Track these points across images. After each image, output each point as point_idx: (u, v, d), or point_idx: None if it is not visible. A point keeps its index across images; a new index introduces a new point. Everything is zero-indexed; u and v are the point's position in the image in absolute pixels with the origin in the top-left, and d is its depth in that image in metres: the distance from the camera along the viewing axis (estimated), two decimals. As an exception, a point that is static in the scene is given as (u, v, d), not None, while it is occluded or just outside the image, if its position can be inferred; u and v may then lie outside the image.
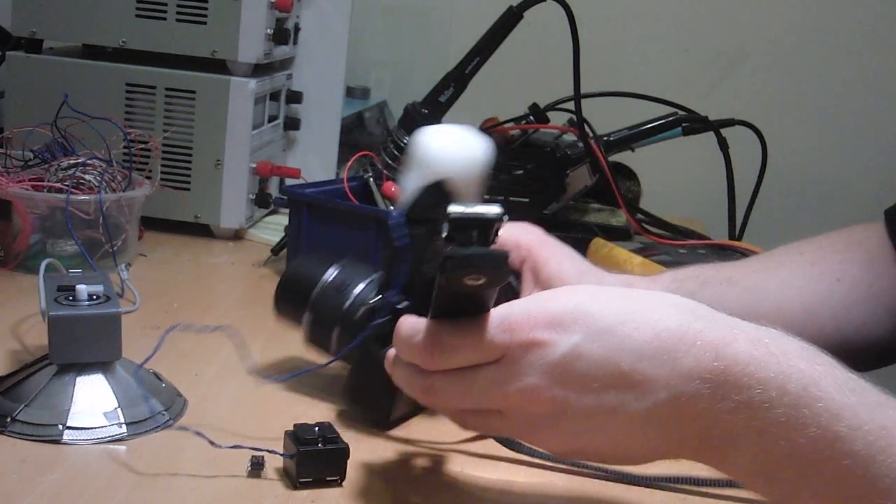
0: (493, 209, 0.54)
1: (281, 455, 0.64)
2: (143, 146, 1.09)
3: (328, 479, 0.63)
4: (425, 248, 0.64)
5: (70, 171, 0.98)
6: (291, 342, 0.89)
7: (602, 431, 0.55)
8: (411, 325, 0.57)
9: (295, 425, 0.65)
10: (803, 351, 0.54)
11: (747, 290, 0.82)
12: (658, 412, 0.54)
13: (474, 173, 0.65)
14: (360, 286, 0.75)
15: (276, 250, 1.11)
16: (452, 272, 0.53)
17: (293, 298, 0.77)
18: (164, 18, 1.15)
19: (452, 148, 0.65)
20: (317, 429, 0.64)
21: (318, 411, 0.75)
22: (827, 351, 0.55)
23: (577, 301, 0.55)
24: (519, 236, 0.77)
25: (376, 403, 0.72)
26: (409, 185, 0.65)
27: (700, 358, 0.53)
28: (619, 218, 1.30)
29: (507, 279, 0.56)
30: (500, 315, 0.55)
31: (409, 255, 0.64)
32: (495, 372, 0.55)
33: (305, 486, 0.63)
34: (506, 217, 0.54)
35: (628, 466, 0.66)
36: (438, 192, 0.64)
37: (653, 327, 0.54)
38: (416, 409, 0.74)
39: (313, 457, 0.63)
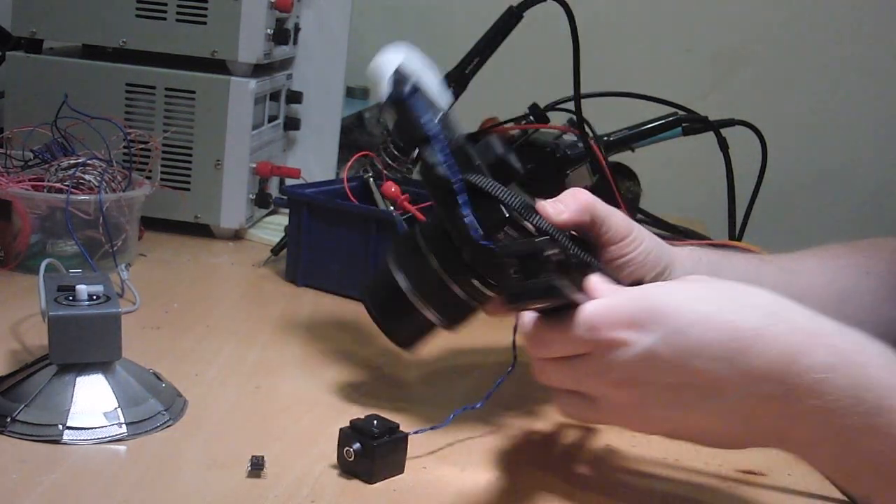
0: (542, 242, 0.61)
1: (354, 451, 0.64)
2: (143, 146, 1.09)
3: (395, 469, 0.65)
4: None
5: (70, 171, 0.98)
6: (291, 342, 0.89)
7: (687, 420, 0.59)
8: (528, 318, 0.63)
9: (351, 422, 0.65)
10: (881, 358, 0.55)
11: (782, 269, 0.81)
12: (733, 410, 0.57)
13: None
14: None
15: (276, 250, 1.11)
16: (515, 304, 0.60)
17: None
18: (164, 18, 1.15)
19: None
20: (375, 421, 0.65)
21: (319, 411, 0.75)
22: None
23: (655, 301, 0.58)
24: (578, 202, 0.75)
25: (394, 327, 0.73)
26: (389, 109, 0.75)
27: (774, 362, 0.55)
28: (619, 218, 1.29)
29: (568, 298, 0.60)
30: (586, 315, 0.59)
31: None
32: (586, 365, 0.60)
33: (382, 478, 0.64)
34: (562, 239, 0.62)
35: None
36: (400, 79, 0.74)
37: (727, 329, 0.56)
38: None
39: (389, 448, 0.64)
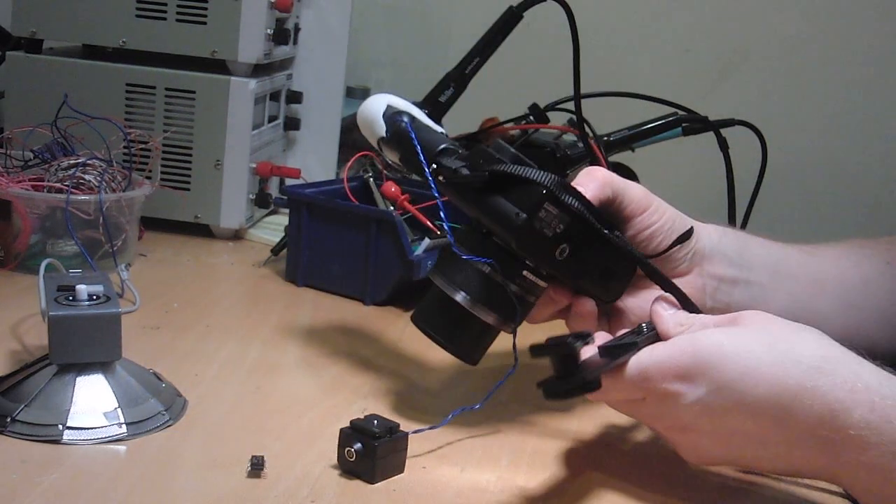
0: (571, 340, 0.62)
1: (355, 450, 0.64)
2: (143, 146, 1.09)
3: (396, 468, 0.65)
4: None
5: (70, 171, 0.98)
6: (291, 342, 0.89)
7: (739, 459, 0.64)
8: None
9: (351, 422, 0.65)
10: None
11: (807, 252, 0.81)
12: (778, 457, 0.61)
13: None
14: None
15: (276, 250, 1.11)
16: (554, 398, 0.62)
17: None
18: (164, 18, 1.15)
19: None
20: (375, 421, 0.65)
21: (319, 411, 0.75)
22: None
23: (704, 353, 0.60)
24: (596, 179, 0.75)
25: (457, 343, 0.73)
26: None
27: (815, 419, 0.58)
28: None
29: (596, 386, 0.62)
30: (639, 366, 0.62)
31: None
32: (644, 409, 0.64)
33: (383, 478, 0.64)
34: (590, 339, 0.64)
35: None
36: (392, 111, 0.79)
37: (771, 384, 0.59)
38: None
39: (390, 448, 0.64)
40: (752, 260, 0.77)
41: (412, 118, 0.78)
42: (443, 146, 0.74)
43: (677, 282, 0.71)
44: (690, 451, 0.64)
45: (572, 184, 0.70)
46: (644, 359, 0.62)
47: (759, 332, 0.62)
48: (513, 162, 0.70)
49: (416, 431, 0.68)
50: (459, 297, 0.70)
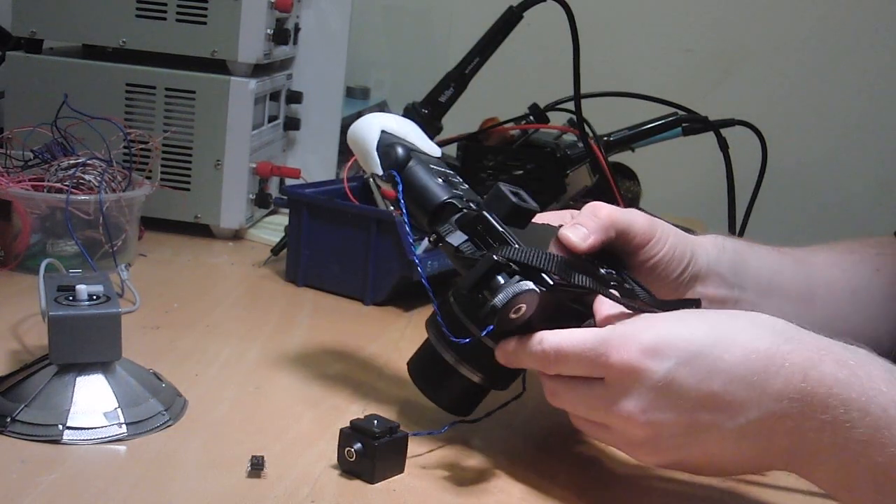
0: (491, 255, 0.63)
1: (355, 451, 0.64)
2: (143, 146, 1.09)
3: (396, 468, 0.65)
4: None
5: (70, 171, 0.98)
6: (291, 342, 0.89)
7: (697, 447, 0.60)
8: (540, 334, 0.64)
9: (351, 422, 0.65)
10: (887, 373, 0.56)
11: (799, 262, 0.81)
12: (750, 429, 0.58)
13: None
14: None
15: (276, 250, 1.11)
16: (491, 319, 0.62)
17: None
18: (164, 18, 1.15)
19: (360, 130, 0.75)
20: (375, 421, 0.65)
21: (319, 411, 0.75)
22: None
23: (669, 327, 0.60)
24: (599, 220, 0.73)
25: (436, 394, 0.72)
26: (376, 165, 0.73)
27: (789, 379, 0.57)
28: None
29: (537, 298, 0.62)
30: (600, 339, 0.61)
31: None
32: (601, 391, 0.61)
33: (383, 478, 0.64)
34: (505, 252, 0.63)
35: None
36: (387, 141, 0.73)
37: (743, 349, 0.58)
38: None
39: (390, 448, 0.64)
40: (746, 277, 0.77)
41: (406, 155, 0.72)
42: (443, 200, 0.70)
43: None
44: (645, 444, 0.61)
45: (575, 225, 0.69)
46: (607, 333, 0.61)
47: (721, 312, 0.62)
48: (512, 214, 0.68)
49: (415, 434, 0.68)
50: (447, 355, 0.69)
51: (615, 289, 0.67)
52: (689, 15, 1.80)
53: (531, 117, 1.23)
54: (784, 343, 0.58)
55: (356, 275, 1.01)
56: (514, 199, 0.69)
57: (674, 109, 1.25)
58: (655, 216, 0.75)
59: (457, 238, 0.68)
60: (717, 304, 0.75)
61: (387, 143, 0.73)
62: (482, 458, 0.70)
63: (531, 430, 0.76)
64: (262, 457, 0.64)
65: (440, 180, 0.71)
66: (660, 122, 1.24)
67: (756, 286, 0.77)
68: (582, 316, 0.66)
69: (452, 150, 1.24)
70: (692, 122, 1.24)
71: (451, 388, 0.71)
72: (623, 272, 0.70)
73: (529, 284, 0.63)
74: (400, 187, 0.71)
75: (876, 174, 1.80)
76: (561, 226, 0.71)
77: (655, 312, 0.64)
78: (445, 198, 0.70)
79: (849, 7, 1.76)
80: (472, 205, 0.71)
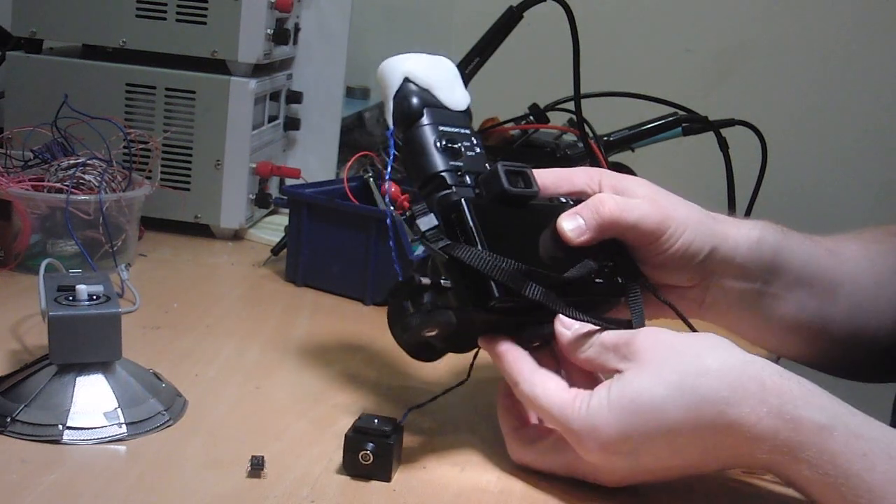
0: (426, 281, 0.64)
1: (371, 452, 0.64)
2: (143, 146, 1.09)
3: (399, 462, 0.66)
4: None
5: (70, 171, 0.98)
6: (291, 342, 0.89)
7: (674, 478, 0.66)
8: (517, 375, 0.66)
9: (354, 425, 0.65)
10: (817, 436, 0.58)
11: (830, 252, 0.80)
12: (712, 470, 0.64)
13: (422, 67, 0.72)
14: None
15: (276, 250, 1.11)
16: (406, 336, 0.66)
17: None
18: (164, 18, 1.15)
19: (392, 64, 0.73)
20: (376, 420, 0.65)
21: (319, 411, 0.75)
22: None
23: (626, 418, 0.61)
24: (600, 218, 0.72)
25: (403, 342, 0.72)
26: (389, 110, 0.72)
27: (735, 450, 0.60)
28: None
29: (451, 328, 0.65)
30: (566, 425, 0.63)
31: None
32: (572, 461, 0.65)
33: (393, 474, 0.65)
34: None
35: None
36: (404, 92, 0.71)
37: (695, 431, 0.60)
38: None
39: (399, 444, 0.66)
40: (774, 272, 0.74)
41: (417, 114, 0.70)
42: (433, 172, 0.69)
43: (677, 292, 0.72)
44: (626, 483, 0.65)
45: (573, 215, 0.69)
46: (572, 420, 0.63)
47: (664, 373, 0.61)
48: (502, 198, 0.68)
49: (403, 418, 0.69)
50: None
51: (600, 285, 0.68)
52: (689, 15, 1.80)
53: (531, 117, 1.24)
54: (723, 415, 0.59)
55: (356, 275, 1.01)
56: (506, 183, 0.68)
57: (674, 109, 1.25)
58: (679, 200, 0.73)
59: (427, 222, 0.67)
60: (737, 296, 0.74)
61: (403, 94, 0.71)
62: (482, 457, 0.70)
63: (531, 430, 0.76)
64: (262, 457, 0.64)
65: (441, 146, 0.70)
66: (660, 122, 1.24)
67: (781, 281, 0.75)
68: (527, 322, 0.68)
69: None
70: (692, 122, 1.24)
71: (411, 339, 0.70)
72: (625, 261, 0.70)
73: (447, 315, 0.64)
74: (392, 153, 0.70)
75: (876, 174, 1.80)
76: (569, 204, 0.71)
77: (608, 327, 0.65)
78: (438, 169, 0.69)
79: (849, 7, 1.76)
80: (468, 178, 0.70)
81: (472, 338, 0.69)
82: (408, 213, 0.68)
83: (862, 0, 1.77)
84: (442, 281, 0.65)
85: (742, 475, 0.70)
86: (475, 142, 0.72)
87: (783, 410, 0.59)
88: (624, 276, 0.70)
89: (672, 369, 0.61)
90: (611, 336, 0.65)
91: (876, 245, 0.83)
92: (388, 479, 0.64)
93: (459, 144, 0.71)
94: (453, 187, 0.69)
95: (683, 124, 1.24)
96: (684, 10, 1.79)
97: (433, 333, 0.65)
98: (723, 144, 1.23)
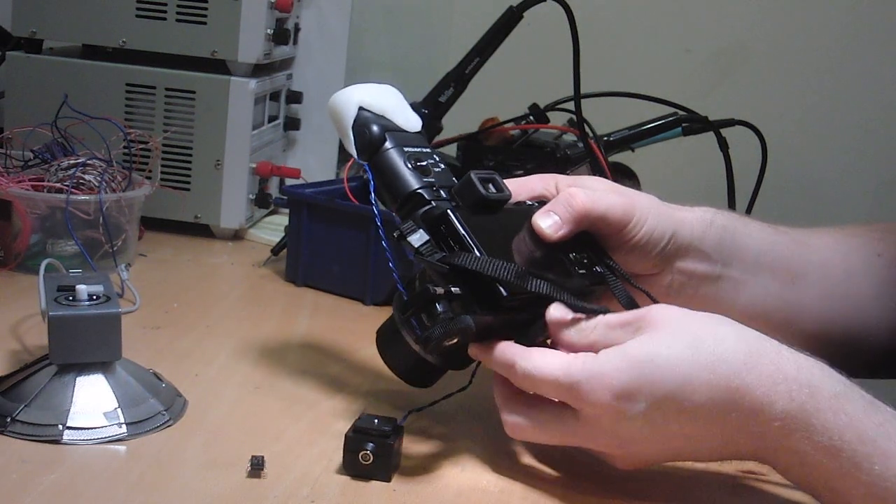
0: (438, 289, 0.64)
1: (371, 452, 0.64)
2: (143, 146, 1.09)
3: (399, 462, 0.66)
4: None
5: (70, 171, 0.98)
6: (290, 343, 0.89)
7: (674, 457, 0.66)
8: (510, 353, 0.65)
9: (354, 425, 0.65)
10: (834, 400, 0.59)
11: (796, 242, 0.81)
12: (717, 451, 0.64)
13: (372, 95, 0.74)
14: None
15: (276, 250, 1.11)
16: (427, 349, 0.65)
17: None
18: (164, 18, 1.15)
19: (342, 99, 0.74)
20: (376, 420, 0.65)
21: (319, 411, 0.75)
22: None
23: (640, 369, 0.61)
24: (572, 211, 0.73)
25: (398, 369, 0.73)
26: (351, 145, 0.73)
27: (746, 415, 0.60)
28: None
29: (471, 332, 0.64)
30: (572, 379, 0.62)
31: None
32: (573, 426, 0.64)
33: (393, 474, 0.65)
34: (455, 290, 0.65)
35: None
36: (362, 121, 0.72)
37: (705, 390, 0.60)
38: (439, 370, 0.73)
39: (399, 444, 0.66)
40: (732, 254, 0.76)
41: (380, 138, 0.71)
42: (411, 191, 0.70)
43: (645, 281, 0.73)
44: (628, 461, 0.65)
45: (546, 212, 0.69)
46: (576, 372, 0.62)
47: (679, 333, 0.62)
48: (479, 205, 0.68)
49: (403, 419, 0.68)
50: (407, 335, 0.70)
51: (583, 276, 0.68)
52: (689, 15, 1.79)
53: (531, 117, 1.23)
54: (740, 377, 0.60)
55: (356, 275, 1.01)
56: (482, 190, 0.69)
57: (674, 109, 1.25)
58: (639, 191, 0.75)
59: (418, 238, 0.68)
60: (696, 279, 0.75)
61: (362, 122, 0.72)
62: (482, 457, 0.70)
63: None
64: (262, 457, 0.64)
65: (412, 165, 0.71)
66: (660, 122, 1.24)
67: (743, 264, 0.76)
68: (533, 317, 0.67)
69: (452, 150, 1.24)
70: (692, 122, 1.24)
71: (408, 361, 0.71)
72: (597, 252, 0.71)
73: (466, 320, 0.64)
74: (372, 184, 0.71)
75: (876, 174, 1.80)
76: (535, 206, 0.72)
77: (604, 312, 0.65)
78: (414, 188, 0.70)
79: (849, 7, 1.76)
80: (443, 192, 0.70)
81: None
82: (396, 234, 0.69)
83: (862, 0, 1.77)
84: (453, 289, 0.65)
85: (742, 475, 0.70)
86: (437, 159, 0.74)
87: (800, 377, 0.60)
88: (600, 265, 0.71)
89: (690, 331, 0.62)
90: (617, 315, 0.65)
91: (853, 238, 0.84)
92: (388, 479, 0.64)
93: (426, 162, 0.72)
94: (432, 202, 0.69)
95: (683, 124, 1.23)
96: (684, 10, 1.79)
97: (454, 342, 0.65)
98: (723, 144, 1.23)
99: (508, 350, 0.66)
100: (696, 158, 1.37)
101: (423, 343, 0.66)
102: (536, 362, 0.64)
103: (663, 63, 1.80)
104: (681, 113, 1.24)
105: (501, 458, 0.70)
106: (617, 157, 1.28)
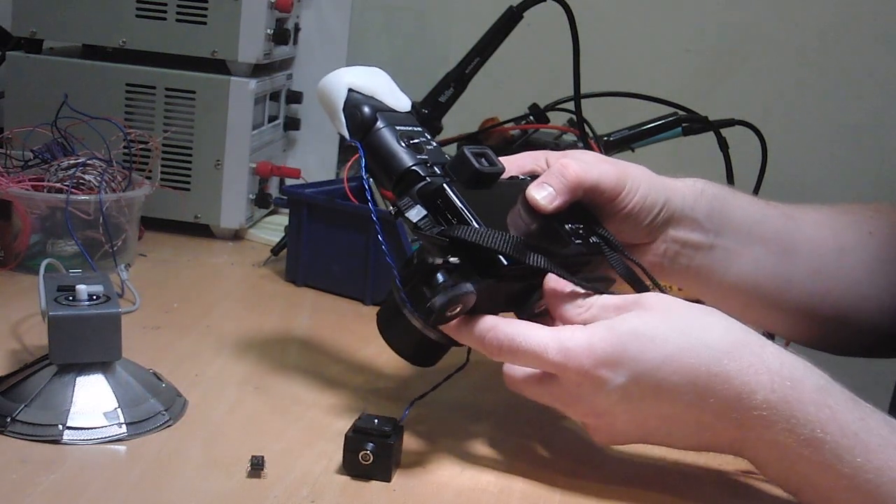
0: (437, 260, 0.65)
1: (371, 451, 0.64)
2: (143, 146, 1.09)
3: (398, 462, 0.66)
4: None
5: (70, 171, 0.98)
6: (291, 342, 0.89)
7: (651, 437, 0.66)
8: (490, 321, 0.65)
9: (354, 425, 0.65)
10: (816, 394, 0.60)
11: (786, 216, 0.81)
12: (691, 436, 0.64)
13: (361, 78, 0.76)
14: None
15: (276, 250, 1.11)
16: (431, 321, 0.64)
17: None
18: (164, 18, 1.15)
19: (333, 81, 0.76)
20: (376, 420, 0.65)
21: (319, 411, 0.75)
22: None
23: (625, 342, 0.62)
24: (566, 181, 0.73)
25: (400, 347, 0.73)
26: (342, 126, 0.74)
27: (725, 402, 0.61)
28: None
29: (474, 299, 0.64)
30: (558, 345, 0.62)
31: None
32: (555, 390, 0.64)
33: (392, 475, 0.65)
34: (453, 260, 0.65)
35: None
36: (353, 102, 0.73)
37: (686, 371, 0.61)
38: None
39: (399, 444, 0.66)
40: (724, 223, 0.76)
41: (371, 118, 0.72)
42: (406, 167, 0.70)
43: (639, 250, 0.73)
44: (603, 433, 0.66)
45: (541, 183, 0.70)
46: (566, 339, 0.62)
47: (670, 317, 0.63)
48: (474, 179, 0.69)
49: (404, 415, 0.68)
50: (407, 313, 0.69)
51: (579, 246, 0.69)
52: (689, 15, 1.79)
53: (531, 117, 1.23)
54: (722, 364, 0.61)
55: (356, 275, 1.01)
56: (476, 164, 0.69)
57: (674, 109, 1.25)
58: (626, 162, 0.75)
59: (416, 213, 0.68)
60: (690, 248, 0.75)
61: (352, 104, 0.73)
62: (482, 457, 0.70)
63: (531, 428, 0.76)
64: (262, 457, 0.64)
65: (405, 144, 0.71)
66: (660, 122, 1.24)
67: (735, 234, 0.77)
68: (530, 288, 0.68)
69: (452, 149, 1.24)
70: (692, 122, 1.24)
71: (411, 341, 0.71)
72: (592, 224, 0.71)
73: (468, 287, 0.64)
74: (363, 163, 0.71)
75: (876, 174, 1.80)
76: (528, 180, 0.72)
77: (602, 292, 0.66)
78: (409, 165, 0.70)
79: (849, 7, 1.76)
80: (437, 169, 0.71)
81: None
82: (393, 210, 0.69)
83: (862, 0, 1.77)
84: (451, 259, 0.65)
85: (742, 475, 0.70)
86: (429, 137, 0.74)
87: (783, 371, 0.61)
88: (595, 236, 0.71)
89: (679, 316, 0.63)
90: (614, 297, 0.66)
91: (844, 216, 0.84)
92: (388, 479, 0.64)
93: (418, 140, 0.73)
94: (427, 178, 0.70)
95: (683, 124, 1.23)
96: (684, 10, 1.79)
97: (456, 311, 0.65)
98: (723, 144, 1.23)
99: (489, 320, 0.65)
100: (696, 158, 1.36)
101: (426, 315, 0.65)
102: (520, 328, 0.64)
103: (663, 63, 1.80)
104: (681, 113, 1.24)
105: (501, 457, 0.70)
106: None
